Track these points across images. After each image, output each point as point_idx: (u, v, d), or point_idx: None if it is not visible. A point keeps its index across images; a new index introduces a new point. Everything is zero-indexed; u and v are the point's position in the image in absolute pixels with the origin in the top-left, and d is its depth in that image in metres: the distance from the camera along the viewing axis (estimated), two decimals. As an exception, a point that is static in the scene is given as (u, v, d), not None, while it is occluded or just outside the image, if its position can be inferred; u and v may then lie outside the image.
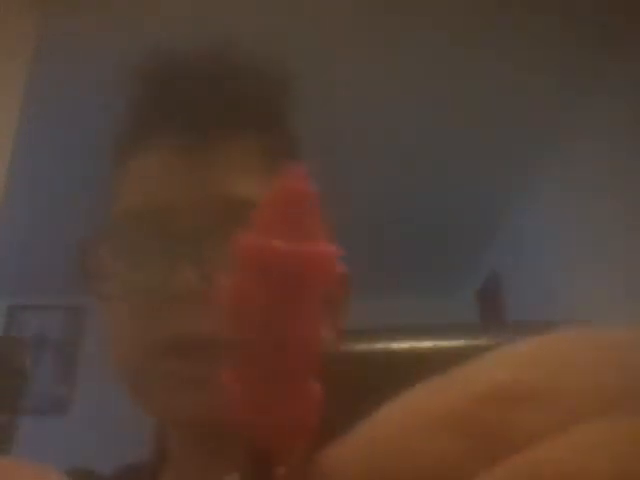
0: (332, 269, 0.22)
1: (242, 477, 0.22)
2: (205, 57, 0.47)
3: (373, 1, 1.88)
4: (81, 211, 2.66)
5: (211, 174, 0.43)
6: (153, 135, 0.46)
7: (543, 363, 0.16)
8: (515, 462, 0.14)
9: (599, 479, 0.13)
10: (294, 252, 0.21)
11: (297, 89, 0.48)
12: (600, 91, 2.12)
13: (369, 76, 2.13)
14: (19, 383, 1.66)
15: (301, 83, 0.48)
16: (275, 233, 0.21)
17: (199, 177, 0.43)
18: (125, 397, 0.42)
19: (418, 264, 3.20)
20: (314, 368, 0.22)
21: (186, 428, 0.42)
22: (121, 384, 0.42)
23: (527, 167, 2.58)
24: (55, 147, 2.42)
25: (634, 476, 0.13)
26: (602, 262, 2.14)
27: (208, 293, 0.38)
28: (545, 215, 2.63)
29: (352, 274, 0.51)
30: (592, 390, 0.15)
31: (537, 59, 2.05)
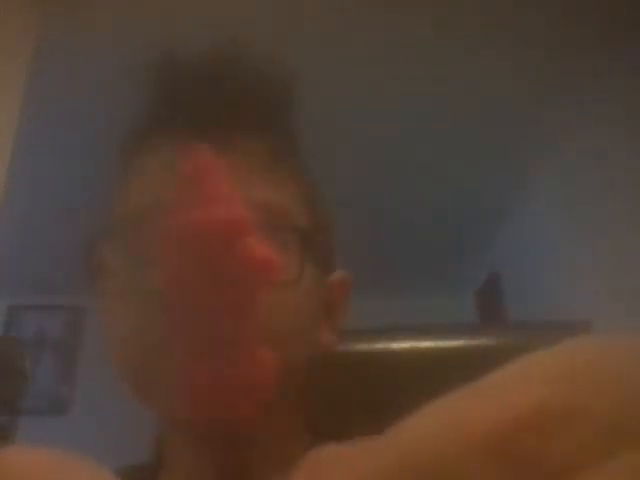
0: (230, 228, 0.23)
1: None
2: (209, 57, 0.47)
3: (373, 1, 1.88)
4: (81, 211, 2.66)
5: None
6: (157, 135, 0.46)
7: (578, 381, 0.15)
8: None
9: None
10: (191, 220, 0.23)
11: (300, 89, 0.48)
12: (600, 91, 2.12)
13: (369, 76, 2.13)
14: (19, 383, 1.66)
15: (304, 83, 0.48)
16: (188, 207, 0.23)
17: None
18: (125, 397, 0.42)
19: (418, 264, 3.20)
20: (256, 334, 0.22)
21: (186, 426, 0.42)
22: (122, 382, 0.42)
23: (527, 167, 2.58)
24: (55, 147, 2.42)
25: None
26: (602, 262, 2.14)
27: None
28: (545, 215, 2.63)
29: (352, 274, 0.52)
30: (628, 414, 0.14)
31: (537, 59, 2.05)
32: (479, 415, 0.16)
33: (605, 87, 2.10)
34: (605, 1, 1.84)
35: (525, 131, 2.37)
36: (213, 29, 1.66)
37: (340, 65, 2.07)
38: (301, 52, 1.68)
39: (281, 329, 0.41)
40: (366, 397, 0.47)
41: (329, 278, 0.49)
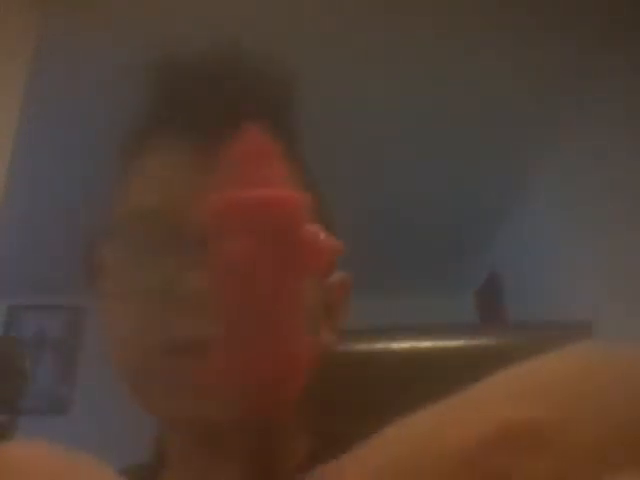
0: (293, 209, 0.22)
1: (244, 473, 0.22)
2: (209, 58, 0.46)
3: (373, 1, 1.88)
4: (81, 211, 2.65)
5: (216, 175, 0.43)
6: (158, 135, 0.46)
7: (555, 402, 0.15)
8: None
9: None
10: (253, 197, 0.22)
11: (300, 90, 0.48)
12: (600, 91, 2.12)
13: (369, 76, 2.13)
14: (19, 383, 1.66)
15: (304, 83, 0.48)
16: (238, 187, 0.23)
17: (208, 179, 0.43)
18: (125, 397, 0.42)
19: (418, 264, 3.20)
20: (300, 324, 0.21)
21: (185, 428, 0.42)
22: (121, 383, 0.42)
23: (527, 167, 2.58)
24: (55, 147, 2.42)
25: None
26: (602, 262, 2.14)
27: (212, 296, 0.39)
28: (545, 215, 2.63)
29: (352, 274, 0.51)
30: (602, 440, 0.14)
31: (537, 59, 2.05)
32: (454, 428, 0.16)
33: (605, 87, 2.10)
34: (605, 1, 1.84)
35: (525, 131, 2.37)
36: (213, 29, 1.66)
37: (340, 65, 2.07)
38: (301, 52, 1.68)
39: None
40: (366, 397, 0.47)
41: (329, 279, 0.49)
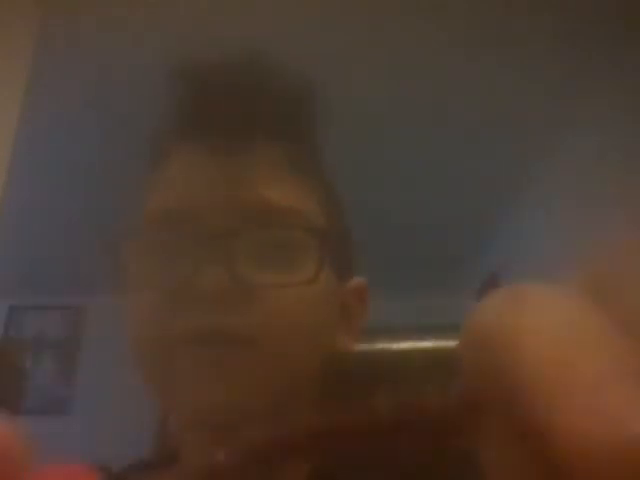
0: None
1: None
2: (229, 62, 0.47)
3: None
4: (82, 211, 2.66)
5: (239, 177, 0.44)
6: (184, 137, 0.47)
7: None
8: None
9: None
10: None
11: (324, 99, 0.49)
12: (600, 91, 2.12)
13: (370, 76, 2.13)
14: (19, 383, 1.66)
15: (327, 93, 0.49)
16: None
17: (227, 179, 0.44)
18: (124, 397, 0.43)
19: (418, 264, 3.20)
20: None
21: (203, 423, 0.42)
22: (140, 379, 0.43)
23: (527, 167, 2.58)
24: (55, 147, 2.42)
25: None
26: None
27: (233, 292, 0.40)
28: (545, 215, 2.63)
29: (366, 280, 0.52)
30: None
31: (537, 59, 2.05)
32: None
33: (605, 87, 2.10)
34: (605, 1, 1.84)
35: (525, 131, 2.37)
36: (210, 30, 1.66)
37: (340, 66, 2.07)
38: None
39: (295, 327, 0.42)
40: (366, 397, 0.47)
41: (347, 284, 0.50)
